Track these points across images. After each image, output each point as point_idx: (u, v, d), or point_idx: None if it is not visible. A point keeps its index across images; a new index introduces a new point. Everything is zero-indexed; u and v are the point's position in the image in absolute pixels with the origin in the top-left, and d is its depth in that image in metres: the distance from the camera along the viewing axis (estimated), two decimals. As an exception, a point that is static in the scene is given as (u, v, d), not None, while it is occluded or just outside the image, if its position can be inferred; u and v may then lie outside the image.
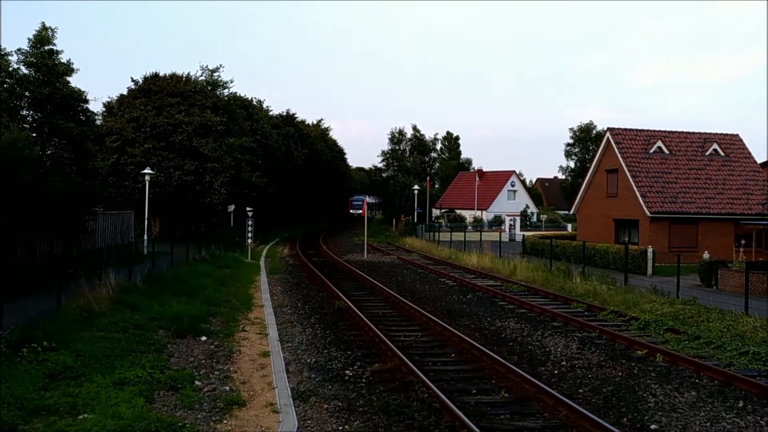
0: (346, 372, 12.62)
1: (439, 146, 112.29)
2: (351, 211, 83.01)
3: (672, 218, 35.84)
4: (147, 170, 31.25)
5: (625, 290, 22.55)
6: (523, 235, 46.01)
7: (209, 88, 44.75)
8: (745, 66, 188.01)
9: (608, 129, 40.33)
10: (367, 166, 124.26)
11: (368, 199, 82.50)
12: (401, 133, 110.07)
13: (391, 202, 78.43)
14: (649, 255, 30.46)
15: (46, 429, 8.16)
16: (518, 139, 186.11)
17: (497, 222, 71.43)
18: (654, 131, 40.30)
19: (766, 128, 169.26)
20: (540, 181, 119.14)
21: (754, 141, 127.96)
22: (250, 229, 37.86)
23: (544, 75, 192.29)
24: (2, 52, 24.14)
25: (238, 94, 53.12)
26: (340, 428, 9.49)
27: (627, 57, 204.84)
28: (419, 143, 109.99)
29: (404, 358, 12.99)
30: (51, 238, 19.60)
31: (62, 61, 25.71)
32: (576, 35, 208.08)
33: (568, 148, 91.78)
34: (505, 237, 50.14)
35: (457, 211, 79.21)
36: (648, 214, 35.45)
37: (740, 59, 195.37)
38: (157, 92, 38.99)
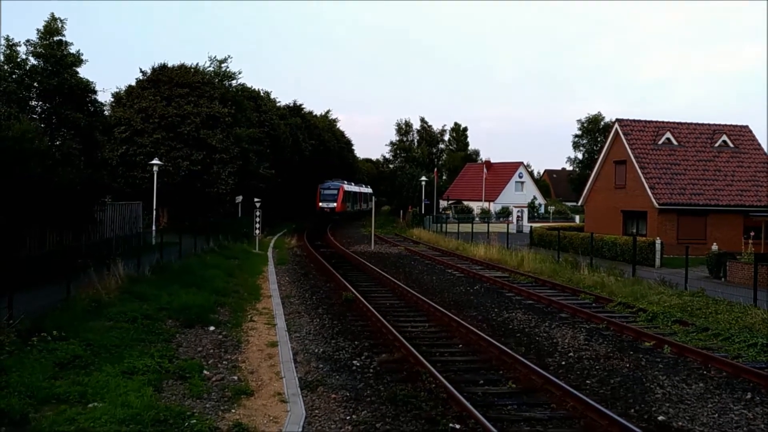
0: (354, 362, 12.66)
1: (446, 137, 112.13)
2: (320, 204, 63.36)
3: (680, 210, 35.67)
4: (155, 161, 31.36)
5: (633, 282, 22.48)
6: (531, 227, 45.89)
7: (217, 80, 44.72)
8: (754, 58, 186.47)
9: (617, 120, 40.12)
10: (374, 158, 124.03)
11: (347, 186, 66.57)
12: (408, 124, 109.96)
13: (399, 193, 78.17)
14: (657, 247, 30.36)
15: (56, 417, 8.23)
16: (526, 131, 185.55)
17: (505, 213, 71.33)
18: (663, 122, 40.07)
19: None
20: (548, 172, 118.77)
21: (764, 133, 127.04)
22: (257, 219, 37.93)
23: (551, 67, 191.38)
24: (11, 43, 24.22)
25: (246, 85, 53.14)
26: (348, 418, 9.54)
27: (634, 50, 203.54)
28: (427, 134, 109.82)
29: (412, 348, 13.01)
30: (60, 229, 19.67)
31: (71, 51, 25.75)
32: (583, 28, 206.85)
33: (576, 139, 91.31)
34: (513, 228, 50.01)
35: (465, 203, 79.09)
36: (656, 205, 35.29)
37: (749, 51, 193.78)
38: (165, 83, 39.02)
